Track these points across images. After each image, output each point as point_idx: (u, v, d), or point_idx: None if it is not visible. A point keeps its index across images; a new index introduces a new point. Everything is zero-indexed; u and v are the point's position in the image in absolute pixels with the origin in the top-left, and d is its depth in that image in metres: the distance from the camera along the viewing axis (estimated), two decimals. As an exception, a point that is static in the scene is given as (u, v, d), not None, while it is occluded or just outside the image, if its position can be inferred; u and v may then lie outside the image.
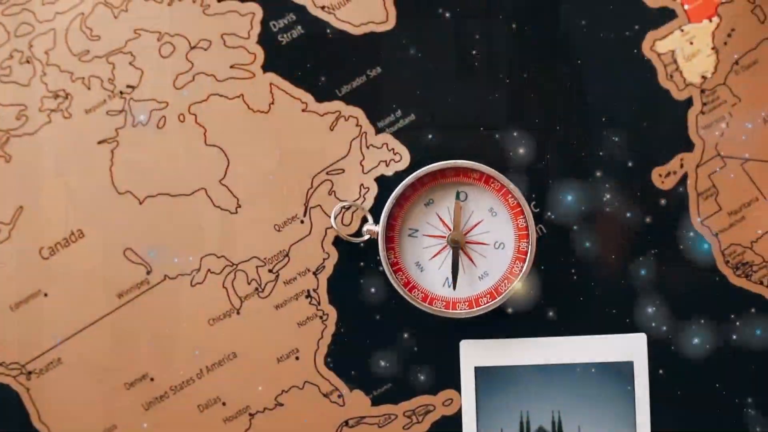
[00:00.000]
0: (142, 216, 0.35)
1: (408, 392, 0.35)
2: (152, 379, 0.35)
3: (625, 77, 0.35)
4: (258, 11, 0.35)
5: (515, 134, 0.35)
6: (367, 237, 0.34)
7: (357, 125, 0.35)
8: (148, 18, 0.35)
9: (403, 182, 0.34)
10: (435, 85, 0.35)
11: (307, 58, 0.35)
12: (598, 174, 0.35)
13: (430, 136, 0.35)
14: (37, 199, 0.35)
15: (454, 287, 0.34)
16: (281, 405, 0.35)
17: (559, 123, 0.35)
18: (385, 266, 0.34)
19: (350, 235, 0.35)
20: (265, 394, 0.35)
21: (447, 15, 0.35)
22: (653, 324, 0.35)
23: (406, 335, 0.35)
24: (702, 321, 0.35)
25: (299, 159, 0.35)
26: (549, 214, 0.35)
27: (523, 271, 0.34)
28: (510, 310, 0.35)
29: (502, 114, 0.35)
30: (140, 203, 0.35)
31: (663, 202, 0.35)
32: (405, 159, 0.35)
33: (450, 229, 0.34)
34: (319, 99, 0.35)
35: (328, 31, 0.35)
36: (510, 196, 0.34)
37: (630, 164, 0.35)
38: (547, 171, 0.35)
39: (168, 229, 0.35)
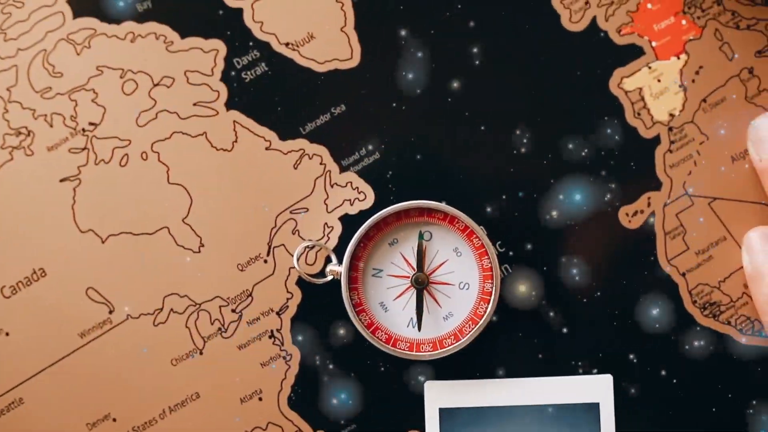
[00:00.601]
0: (104, 255, 0.34)
1: (373, 433, 0.35)
2: (114, 420, 0.34)
3: (592, 115, 0.35)
4: (222, 48, 0.35)
5: (480, 173, 0.35)
6: (330, 278, 0.34)
7: (321, 163, 0.35)
8: (111, 55, 0.34)
9: (366, 223, 0.33)
10: (400, 123, 0.35)
11: (271, 95, 0.35)
12: (555, 214, 0.35)
13: (394, 175, 0.35)
14: (-2, 237, 0.34)
15: (419, 328, 0.34)
16: (244, 446, 0.34)
17: (525, 161, 0.35)
18: (348, 308, 0.33)
19: (314, 275, 0.34)
20: (229, 434, 0.34)
21: (413, 53, 0.35)
22: (620, 365, 0.34)
23: (370, 376, 0.34)
24: (669, 361, 0.34)
25: (263, 197, 0.34)
26: (511, 254, 0.35)
27: (487, 312, 0.33)
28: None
29: (467, 153, 0.35)
30: (103, 242, 0.34)
31: (630, 241, 0.35)
32: (369, 198, 0.35)
33: (414, 269, 0.34)
34: (283, 137, 0.35)
35: (293, 68, 0.35)
36: (474, 236, 0.34)
37: (596, 203, 0.35)
38: (513, 210, 0.35)
39: (131, 268, 0.34)
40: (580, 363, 0.34)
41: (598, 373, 0.34)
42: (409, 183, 0.35)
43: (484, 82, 0.35)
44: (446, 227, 0.34)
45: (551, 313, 0.35)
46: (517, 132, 0.35)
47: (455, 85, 0.35)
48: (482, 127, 0.35)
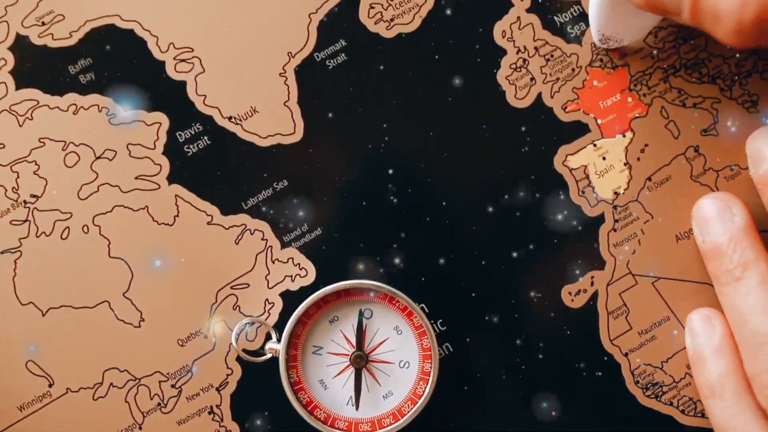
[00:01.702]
0: (44, 327, 0.34)
1: None
2: (53, 493, 0.34)
3: (536, 192, 0.34)
4: (164, 121, 0.34)
5: (422, 251, 0.34)
6: (268, 356, 0.34)
7: (263, 239, 0.34)
8: (53, 126, 0.34)
9: (305, 302, 0.33)
10: (343, 199, 0.34)
11: (214, 169, 0.34)
12: (503, 299, 0.34)
13: (336, 252, 0.34)
14: (-62, 310, 0.34)
15: (357, 407, 0.34)
16: None
17: (466, 239, 0.35)
18: (286, 387, 0.33)
19: (254, 352, 0.34)
20: None
21: (355, 129, 0.34)
22: (561, 444, 0.34)
23: (310, 453, 0.34)
24: (611, 441, 0.34)
25: (204, 272, 0.34)
26: (452, 339, 0.34)
27: (426, 392, 0.33)
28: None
29: (411, 230, 0.34)
30: (43, 315, 0.34)
31: (572, 320, 0.34)
32: (311, 274, 0.35)
33: (354, 347, 0.34)
34: (225, 212, 0.34)
35: (236, 142, 0.34)
36: (414, 316, 0.33)
37: (539, 282, 0.34)
38: (455, 292, 0.34)
39: (71, 342, 0.34)
40: (521, 442, 0.34)
41: (539, 452, 0.34)
42: (351, 259, 0.34)
43: (427, 156, 0.34)
44: (386, 306, 0.34)
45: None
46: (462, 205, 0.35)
47: (397, 163, 0.34)
48: (423, 204, 0.34)
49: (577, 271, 0.35)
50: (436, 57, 0.34)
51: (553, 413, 0.34)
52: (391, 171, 0.34)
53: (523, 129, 0.35)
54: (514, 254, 0.34)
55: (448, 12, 0.34)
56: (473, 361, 0.34)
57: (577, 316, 0.34)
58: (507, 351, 0.34)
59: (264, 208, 0.34)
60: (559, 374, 0.34)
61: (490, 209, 0.34)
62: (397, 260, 0.34)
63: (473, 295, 0.34)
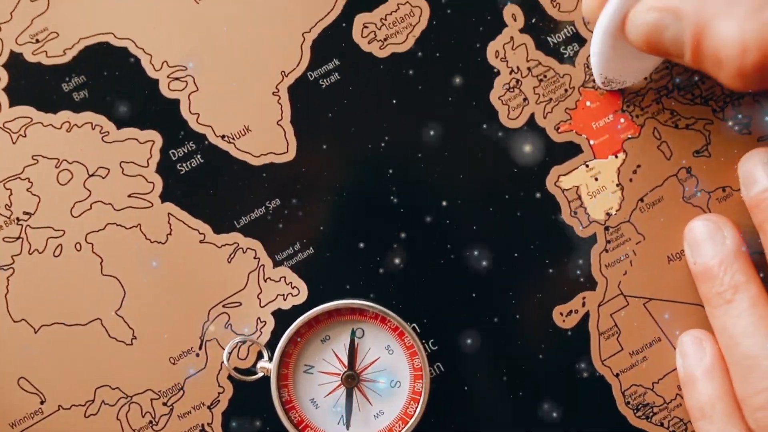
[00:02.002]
0: (37, 345, 0.34)
1: None
2: None
3: (528, 213, 0.35)
4: (157, 139, 0.34)
5: (415, 270, 0.34)
6: (260, 375, 0.34)
7: (255, 258, 0.35)
8: (46, 144, 0.34)
9: (296, 322, 0.33)
10: (335, 218, 0.34)
11: (206, 188, 0.34)
12: (495, 318, 0.35)
13: (329, 270, 0.35)
14: (-70, 326, 0.34)
15: (348, 427, 0.34)
16: None
17: (458, 261, 0.35)
18: (277, 406, 0.33)
19: (245, 370, 0.34)
20: None
21: (348, 148, 0.34)
22: (552, 464, 0.34)
23: (300, 471, 0.34)
24: (601, 462, 0.34)
25: (196, 291, 0.34)
26: (443, 359, 0.34)
27: (417, 413, 0.33)
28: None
29: (403, 250, 0.34)
30: (35, 332, 0.34)
31: (564, 340, 0.34)
32: (303, 293, 0.35)
33: (346, 366, 0.34)
34: (217, 230, 0.34)
35: (229, 160, 0.34)
36: (405, 335, 0.33)
37: (531, 302, 0.34)
38: (447, 311, 0.35)
39: (63, 359, 0.34)
40: (512, 461, 0.34)
41: (530, 472, 0.34)
42: (344, 278, 0.34)
43: (420, 177, 0.35)
44: (378, 326, 0.34)
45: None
46: (453, 225, 0.35)
47: (393, 180, 0.34)
48: (414, 222, 0.34)
49: (569, 292, 0.35)
50: (429, 77, 0.34)
51: (544, 434, 0.34)
52: (386, 191, 0.34)
53: (515, 149, 0.35)
54: (505, 275, 0.34)
55: (442, 32, 0.34)
56: (464, 381, 0.34)
57: (569, 336, 0.34)
58: (498, 371, 0.34)
59: (256, 227, 0.34)
60: (549, 395, 0.34)
61: (481, 230, 0.34)
62: (390, 276, 0.34)
63: (462, 315, 0.34)
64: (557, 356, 0.34)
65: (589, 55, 0.34)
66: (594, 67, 0.32)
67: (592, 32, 0.32)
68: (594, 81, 0.34)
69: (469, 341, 0.34)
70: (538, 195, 0.35)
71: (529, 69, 0.35)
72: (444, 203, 0.34)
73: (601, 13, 0.30)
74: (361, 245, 0.34)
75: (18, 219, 0.34)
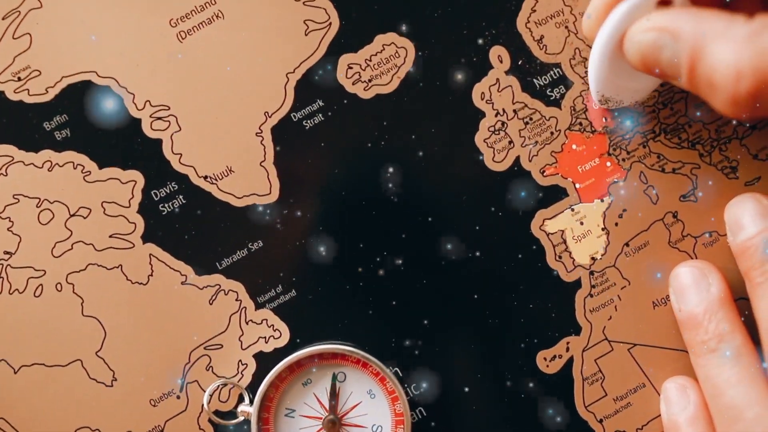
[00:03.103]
0: (16, 385, 0.34)
1: None
2: None
3: (512, 257, 0.34)
4: (139, 179, 0.34)
5: (397, 311, 0.34)
6: (241, 419, 0.34)
7: (237, 300, 0.34)
8: (27, 183, 0.34)
9: (278, 366, 0.33)
10: (317, 261, 0.34)
11: (188, 229, 0.34)
12: (478, 363, 0.34)
13: (311, 313, 0.34)
14: None
15: (329, 472, 0.33)
16: None
17: (442, 304, 0.34)
18: (257, 451, 0.33)
19: (226, 413, 0.34)
20: None
21: (331, 190, 0.34)
22: None
23: None
24: (584, 508, 0.34)
25: (177, 333, 0.34)
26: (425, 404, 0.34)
27: (398, 459, 0.33)
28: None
29: (385, 292, 0.34)
30: (15, 372, 0.34)
31: (548, 385, 0.34)
32: (285, 336, 0.34)
33: (328, 410, 0.34)
34: (199, 272, 0.34)
35: (211, 201, 0.34)
36: (387, 381, 0.33)
37: (514, 347, 0.34)
38: (430, 355, 0.34)
39: (42, 400, 0.34)
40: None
41: None
42: (326, 322, 0.34)
43: (404, 221, 0.34)
44: (360, 370, 0.34)
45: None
46: (436, 270, 0.34)
47: (377, 223, 0.34)
48: (396, 267, 0.34)
49: (553, 336, 0.34)
50: (414, 119, 0.34)
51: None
52: (370, 234, 0.34)
53: (500, 192, 0.34)
54: (489, 319, 0.34)
55: (427, 73, 0.34)
56: (447, 427, 0.34)
57: (552, 381, 0.34)
58: (481, 417, 0.34)
59: (238, 269, 0.34)
60: (532, 440, 0.34)
61: (465, 273, 0.34)
62: (373, 316, 0.34)
63: (445, 360, 0.34)
64: (540, 401, 0.34)
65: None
66: (591, 84, 0.32)
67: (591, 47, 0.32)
68: (585, 124, 0.34)
69: (451, 386, 0.34)
70: (522, 239, 0.34)
71: (515, 111, 0.34)
72: (426, 248, 0.34)
73: (600, 31, 0.30)
74: (345, 288, 0.34)
75: (-2, 258, 0.34)
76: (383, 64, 0.34)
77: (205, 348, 0.34)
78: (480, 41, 0.34)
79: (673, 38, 0.27)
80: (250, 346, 0.34)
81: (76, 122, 0.34)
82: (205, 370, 0.34)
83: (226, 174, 0.34)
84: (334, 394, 0.34)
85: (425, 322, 0.34)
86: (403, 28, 0.34)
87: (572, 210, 0.34)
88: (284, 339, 0.34)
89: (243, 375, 0.34)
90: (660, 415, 0.34)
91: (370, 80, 0.34)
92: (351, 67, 0.34)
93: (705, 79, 0.27)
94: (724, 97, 0.26)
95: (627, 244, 0.34)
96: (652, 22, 0.28)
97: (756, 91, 0.25)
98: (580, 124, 0.34)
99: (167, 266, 0.34)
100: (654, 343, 0.34)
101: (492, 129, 0.34)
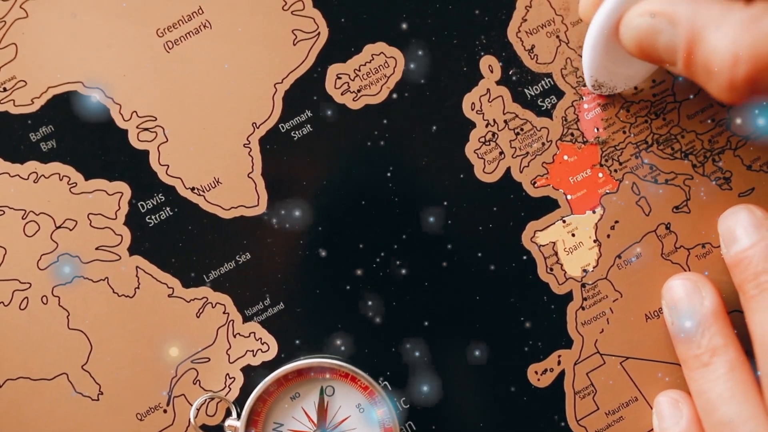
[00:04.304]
0: (1, 399, 0.34)
1: None
2: None
3: (503, 269, 0.34)
4: (126, 191, 0.34)
5: (386, 326, 0.34)
6: (228, 433, 0.33)
7: (224, 313, 0.34)
8: (13, 195, 0.34)
9: (265, 380, 0.33)
10: (306, 274, 0.34)
11: (176, 241, 0.34)
12: (468, 376, 0.34)
13: (299, 327, 0.34)
14: None
15: (317, 487, 0.33)
16: None
17: (431, 319, 0.34)
18: (244, 466, 0.33)
19: (214, 426, 0.34)
20: None
21: (320, 201, 0.34)
22: None
23: None
24: None
25: (164, 346, 0.34)
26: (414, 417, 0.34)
27: (387, 474, 0.33)
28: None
29: (371, 306, 0.34)
30: (0, 386, 0.34)
31: (539, 399, 0.34)
32: (273, 349, 0.34)
33: (316, 425, 0.33)
34: (186, 284, 0.34)
35: (198, 213, 0.34)
36: (376, 395, 0.33)
37: (506, 360, 0.34)
38: (421, 367, 0.34)
39: (28, 414, 0.34)
40: None
41: None
42: (314, 335, 0.34)
43: (394, 231, 0.34)
44: (348, 384, 0.33)
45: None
46: (425, 283, 0.34)
47: (367, 234, 0.34)
48: (385, 281, 0.34)
49: (544, 350, 0.34)
50: (403, 130, 0.34)
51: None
52: (359, 246, 0.34)
53: (490, 204, 0.34)
54: (479, 332, 0.34)
55: (417, 83, 0.34)
56: (437, 441, 0.34)
57: (544, 395, 0.34)
58: (471, 431, 0.34)
59: (226, 282, 0.34)
60: (523, 455, 0.34)
61: (454, 285, 0.34)
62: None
63: (435, 373, 0.34)
64: (532, 415, 0.34)
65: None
66: (585, 68, 0.31)
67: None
68: (576, 134, 0.34)
69: (441, 399, 0.34)
70: (513, 251, 0.34)
71: (505, 122, 0.34)
72: (416, 258, 0.34)
73: (596, 14, 0.29)
74: (333, 301, 0.34)
75: (-16, 271, 0.34)
76: (372, 74, 0.34)
77: (192, 361, 0.34)
78: (470, 51, 0.34)
79: (670, 23, 0.27)
80: (237, 359, 0.34)
81: (62, 133, 0.34)
82: (192, 383, 0.34)
83: (213, 185, 0.34)
84: (322, 409, 0.33)
85: (413, 337, 0.34)
86: (393, 37, 0.33)
87: (564, 221, 0.34)
88: (272, 352, 0.34)
89: (230, 389, 0.34)
90: (652, 430, 0.34)
91: (359, 90, 0.34)
92: (340, 77, 0.34)
93: (702, 65, 0.26)
94: (721, 83, 0.26)
95: (619, 256, 0.34)
96: (649, 6, 0.27)
97: (753, 77, 0.25)
98: (572, 134, 0.34)
99: (154, 279, 0.34)
100: (646, 357, 0.34)
101: (482, 140, 0.34)
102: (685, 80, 0.33)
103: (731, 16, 0.25)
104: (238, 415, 0.33)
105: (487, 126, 0.34)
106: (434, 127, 0.34)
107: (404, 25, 0.33)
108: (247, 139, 0.34)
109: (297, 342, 0.34)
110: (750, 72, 0.25)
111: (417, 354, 0.34)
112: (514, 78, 0.34)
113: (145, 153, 0.34)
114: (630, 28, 0.28)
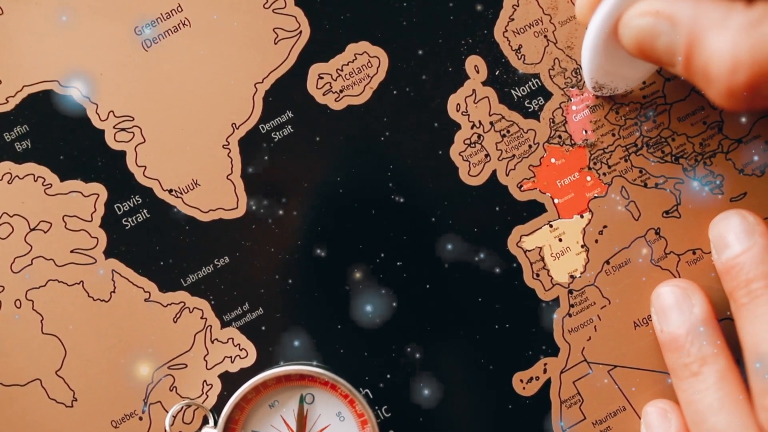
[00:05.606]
0: (-26, 405, 0.33)
1: None
2: None
3: (487, 275, 0.33)
4: (102, 192, 0.33)
5: (366, 334, 0.33)
6: (204, 442, 0.32)
7: (202, 318, 0.33)
8: (-14, 196, 0.33)
9: (242, 387, 0.32)
10: (285, 279, 0.33)
11: (152, 244, 0.33)
12: (451, 384, 0.33)
13: (278, 333, 0.33)
14: None
15: (296, 498, 0.32)
16: None
17: (416, 325, 0.33)
18: (221, 476, 0.32)
19: (190, 436, 0.33)
20: None
21: (300, 204, 0.33)
22: None
23: None
24: None
25: (140, 352, 0.33)
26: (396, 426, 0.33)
27: (367, 485, 0.32)
28: None
29: (355, 315, 0.33)
30: (-28, 392, 0.33)
31: (524, 408, 0.33)
32: (251, 355, 0.33)
33: (295, 434, 0.32)
34: (163, 288, 0.33)
35: (176, 216, 0.33)
36: (356, 403, 0.32)
37: (490, 368, 0.33)
38: (403, 376, 0.33)
39: (0, 421, 0.33)
40: None
41: None
42: (293, 341, 0.33)
43: (376, 233, 0.33)
44: (328, 392, 0.32)
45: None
46: (409, 285, 0.33)
47: (348, 237, 0.33)
48: (366, 282, 0.33)
49: (530, 357, 0.33)
50: (387, 131, 0.33)
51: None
52: (339, 250, 0.33)
53: (476, 208, 0.33)
54: (463, 339, 0.33)
55: (401, 83, 0.33)
56: (419, 450, 0.33)
57: (529, 404, 0.33)
58: (455, 439, 0.33)
59: (204, 286, 0.33)
60: (508, 466, 0.33)
61: (439, 291, 0.33)
62: (340, 338, 0.33)
63: (416, 381, 0.33)
64: (516, 425, 0.33)
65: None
66: (585, 70, 0.30)
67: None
68: (564, 137, 0.33)
69: (424, 408, 0.33)
70: (499, 256, 0.33)
71: (491, 123, 0.33)
72: (397, 264, 0.33)
73: (594, 15, 0.28)
74: (313, 306, 0.33)
75: (-44, 274, 0.33)
76: (355, 74, 0.33)
77: (168, 367, 0.33)
78: (456, 50, 0.33)
79: (671, 24, 0.26)
80: (215, 365, 0.33)
81: (37, 133, 0.33)
82: (169, 390, 0.33)
83: (191, 187, 0.33)
84: (301, 417, 0.32)
85: (395, 344, 0.33)
86: (377, 36, 0.33)
87: (551, 226, 0.33)
88: (251, 359, 0.33)
89: (207, 396, 0.33)
90: (640, 440, 0.33)
91: (341, 91, 0.33)
92: (322, 77, 0.33)
93: (701, 69, 0.25)
94: (720, 89, 0.25)
95: (607, 262, 0.33)
96: (649, 6, 0.26)
97: (752, 84, 0.24)
98: (560, 137, 0.33)
99: (130, 282, 0.33)
100: (635, 365, 0.33)
101: (468, 142, 0.33)
102: (675, 82, 0.33)
103: (732, 20, 0.24)
104: (215, 423, 0.32)
105: (472, 128, 0.33)
106: (418, 129, 0.33)
107: (388, 24, 0.33)
108: (227, 140, 0.33)
109: (276, 348, 0.33)
110: (749, 79, 0.24)
111: (399, 362, 0.33)
112: (500, 79, 0.33)
113: (122, 154, 0.33)
114: (629, 28, 0.27)
